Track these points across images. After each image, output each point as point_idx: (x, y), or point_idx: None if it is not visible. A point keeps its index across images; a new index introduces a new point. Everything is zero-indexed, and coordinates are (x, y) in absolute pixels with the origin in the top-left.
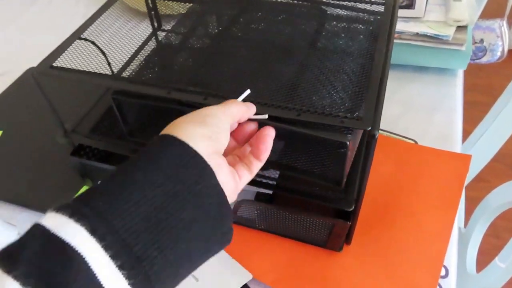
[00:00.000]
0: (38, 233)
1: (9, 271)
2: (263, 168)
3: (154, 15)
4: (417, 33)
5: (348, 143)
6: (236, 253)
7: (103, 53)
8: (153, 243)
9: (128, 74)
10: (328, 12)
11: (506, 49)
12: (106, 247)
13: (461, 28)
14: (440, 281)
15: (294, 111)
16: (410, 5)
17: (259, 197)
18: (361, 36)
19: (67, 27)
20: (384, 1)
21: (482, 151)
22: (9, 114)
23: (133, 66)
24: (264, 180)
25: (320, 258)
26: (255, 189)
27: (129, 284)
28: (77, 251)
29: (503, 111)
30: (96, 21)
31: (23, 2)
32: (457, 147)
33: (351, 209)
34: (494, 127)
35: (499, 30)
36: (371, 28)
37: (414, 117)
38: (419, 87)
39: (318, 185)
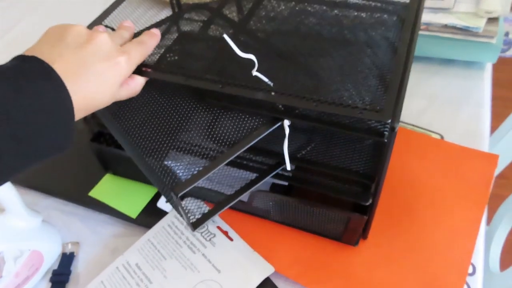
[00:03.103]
0: None
1: None
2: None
3: (175, 2)
4: (446, 25)
5: (386, 140)
6: (258, 245)
7: None
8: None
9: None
10: (351, 1)
11: None
12: None
13: (492, 20)
14: (467, 278)
15: (311, 101)
16: None
17: (274, 188)
18: (385, 27)
19: (89, 13)
20: None
21: (507, 148)
22: None
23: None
24: (280, 172)
25: (341, 252)
26: (271, 180)
27: None
28: None
29: None
30: (117, 9)
31: None
32: (485, 145)
33: (368, 203)
34: None
35: None
36: (395, 18)
37: (440, 111)
38: (445, 80)
39: (335, 177)
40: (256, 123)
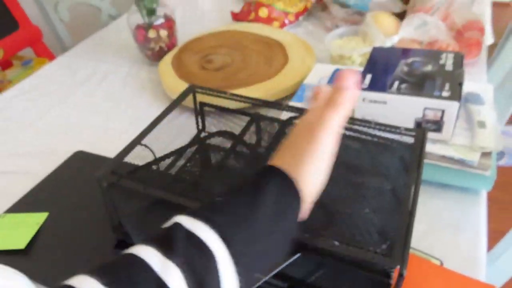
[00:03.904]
0: (180, 231)
1: (170, 257)
2: None
3: (200, 118)
4: (444, 156)
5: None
6: None
7: (155, 161)
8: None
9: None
10: (361, 138)
11: None
12: (232, 254)
13: (486, 154)
14: None
15: (330, 240)
16: (438, 129)
17: None
18: (389, 165)
19: (111, 110)
20: (414, 134)
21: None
22: (55, 195)
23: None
24: None
25: None
26: None
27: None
28: (210, 249)
29: None
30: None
31: (74, 84)
32: (481, 273)
33: None
34: None
35: None
36: (399, 161)
37: (440, 235)
38: (444, 204)
39: None
40: None
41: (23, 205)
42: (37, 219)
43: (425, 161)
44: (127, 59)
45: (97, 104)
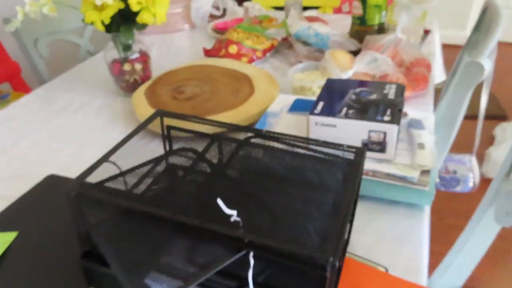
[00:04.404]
0: None
1: None
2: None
3: (167, 140)
4: (388, 174)
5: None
6: None
7: (122, 174)
8: None
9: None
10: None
11: (477, 181)
12: None
13: (425, 172)
14: None
15: (271, 239)
16: (382, 150)
17: None
18: (333, 178)
19: (85, 138)
20: (354, 150)
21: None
22: (26, 216)
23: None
24: None
25: None
26: None
27: None
28: None
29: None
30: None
31: (50, 114)
32: (423, 280)
33: None
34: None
35: (469, 164)
36: (340, 172)
37: (386, 246)
38: (392, 218)
39: None
40: (226, 252)
41: None
42: (5, 238)
43: (373, 178)
44: (102, 91)
45: (71, 133)
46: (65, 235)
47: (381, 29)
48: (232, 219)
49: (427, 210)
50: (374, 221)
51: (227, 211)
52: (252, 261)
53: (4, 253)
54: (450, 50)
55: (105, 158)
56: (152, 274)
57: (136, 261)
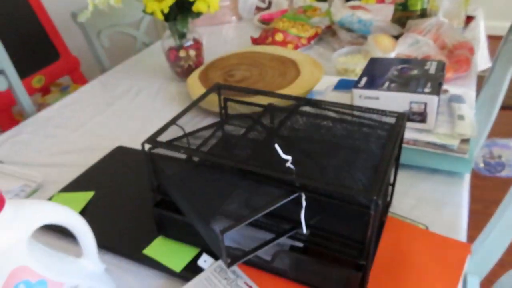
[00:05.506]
0: None
1: None
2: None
3: (224, 112)
4: (428, 142)
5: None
6: None
7: (186, 135)
8: None
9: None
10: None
11: None
12: None
13: (465, 140)
14: None
15: (321, 181)
16: (423, 120)
17: (292, 249)
18: (377, 139)
19: (146, 116)
20: (396, 115)
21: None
22: (99, 179)
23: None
24: (297, 236)
25: None
26: (289, 243)
27: None
28: None
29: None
30: (185, 115)
31: (114, 96)
32: (463, 236)
33: (362, 262)
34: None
35: None
36: (384, 133)
37: (427, 208)
38: (432, 185)
39: (340, 242)
40: (281, 196)
41: (72, 187)
42: (85, 196)
43: (415, 147)
44: (158, 77)
45: (134, 112)
46: (133, 193)
47: (424, 14)
48: (287, 164)
49: (466, 178)
50: (415, 187)
51: (283, 155)
52: (304, 203)
53: (85, 207)
54: (497, 42)
55: (173, 121)
56: (216, 218)
57: (204, 207)
